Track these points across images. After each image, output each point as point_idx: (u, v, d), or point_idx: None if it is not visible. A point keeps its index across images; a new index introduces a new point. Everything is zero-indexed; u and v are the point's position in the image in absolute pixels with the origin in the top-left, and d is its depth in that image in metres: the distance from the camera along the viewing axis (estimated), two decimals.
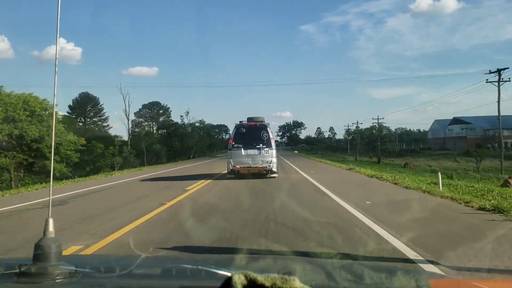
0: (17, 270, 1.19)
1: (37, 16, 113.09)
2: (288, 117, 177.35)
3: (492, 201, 7.28)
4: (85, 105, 62.42)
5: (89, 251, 4.42)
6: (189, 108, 68.90)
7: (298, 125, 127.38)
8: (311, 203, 8.01)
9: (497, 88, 33.39)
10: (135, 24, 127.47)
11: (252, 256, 3.46)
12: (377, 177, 14.20)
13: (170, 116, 71.05)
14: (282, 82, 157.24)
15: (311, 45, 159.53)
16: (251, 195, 9.34)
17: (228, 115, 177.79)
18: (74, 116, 58.15)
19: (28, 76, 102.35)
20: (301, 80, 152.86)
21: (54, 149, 22.22)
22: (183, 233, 5.28)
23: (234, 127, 14.24)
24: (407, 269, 2.54)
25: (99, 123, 64.86)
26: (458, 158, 48.38)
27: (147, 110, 74.43)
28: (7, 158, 21.99)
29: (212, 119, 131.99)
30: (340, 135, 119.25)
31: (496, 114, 33.83)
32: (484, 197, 8.96)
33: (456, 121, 76.80)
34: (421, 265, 3.71)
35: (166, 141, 44.48)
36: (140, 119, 73.34)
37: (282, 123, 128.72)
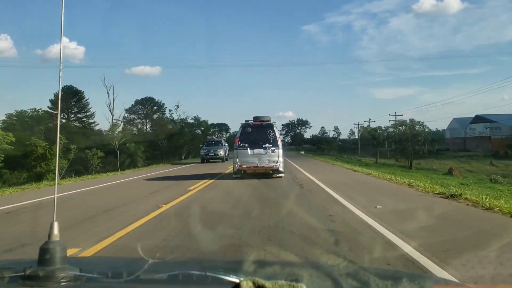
0: (23, 273, 1.19)
1: (40, 15, 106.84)
2: (290, 116, 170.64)
3: None
4: (68, 99, 55.10)
5: None
6: (178, 101, 59.92)
7: (302, 123, 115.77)
8: None
9: None
10: (138, 23, 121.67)
11: (260, 261, 2.79)
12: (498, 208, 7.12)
13: (165, 113, 64.14)
14: (284, 81, 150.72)
15: (313, 45, 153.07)
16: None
17: (228, 115, 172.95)
18: (55, 112, 51.48)
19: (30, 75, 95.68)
20: (303, 80, 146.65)
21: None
22: None
23: (240, 127, 13.98)
24: (413, 275, 2.31)
25: (83, 119, 58.03)
26: (494, 161, 41.70)
27: (140, 106, 68.11)
28: None
29: (213, 119, 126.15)
30: (344, 135, 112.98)
31: None
32: None
33: (479, 119, 69.97)
34: None
35: (153, 140, 37.42)
36: (132, 116, 67.11)
37: (285, 122, 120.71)
